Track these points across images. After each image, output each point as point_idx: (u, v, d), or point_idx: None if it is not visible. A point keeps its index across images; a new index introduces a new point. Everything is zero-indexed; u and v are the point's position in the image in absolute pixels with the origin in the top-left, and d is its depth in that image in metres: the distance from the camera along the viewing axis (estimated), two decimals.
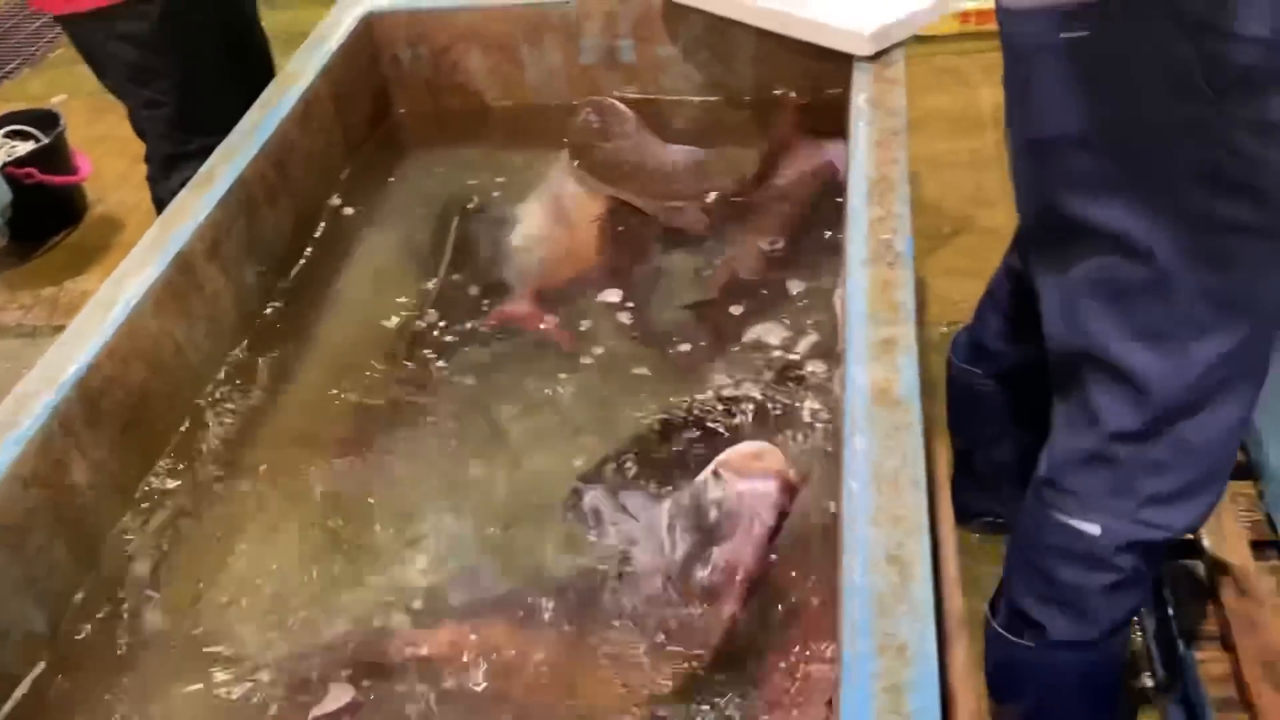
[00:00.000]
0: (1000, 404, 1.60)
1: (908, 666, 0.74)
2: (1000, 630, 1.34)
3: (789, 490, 1.00)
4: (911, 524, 0.83)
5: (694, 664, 0.95)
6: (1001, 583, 1.38)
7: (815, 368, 1.24)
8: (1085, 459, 1.19)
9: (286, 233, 1.48)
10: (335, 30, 1.67)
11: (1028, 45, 1.07)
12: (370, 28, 1.71)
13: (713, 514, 0.99)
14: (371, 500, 1.16)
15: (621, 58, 1.69)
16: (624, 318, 1.36)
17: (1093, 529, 1.20)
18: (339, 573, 1.07)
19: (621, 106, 1.63)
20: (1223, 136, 0.98)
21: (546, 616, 1.00)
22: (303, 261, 1.49)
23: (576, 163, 1.57)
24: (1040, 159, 1.12)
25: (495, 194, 1.58)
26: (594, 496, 1.10)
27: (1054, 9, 1.01)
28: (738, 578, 0.98)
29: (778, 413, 1.18)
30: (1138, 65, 0.99)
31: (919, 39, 1.83)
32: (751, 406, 1.19)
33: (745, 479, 1.00)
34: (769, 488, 0.99)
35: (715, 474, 1.01)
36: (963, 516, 1.79)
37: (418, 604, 1.04)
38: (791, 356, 1.27)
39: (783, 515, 1.00)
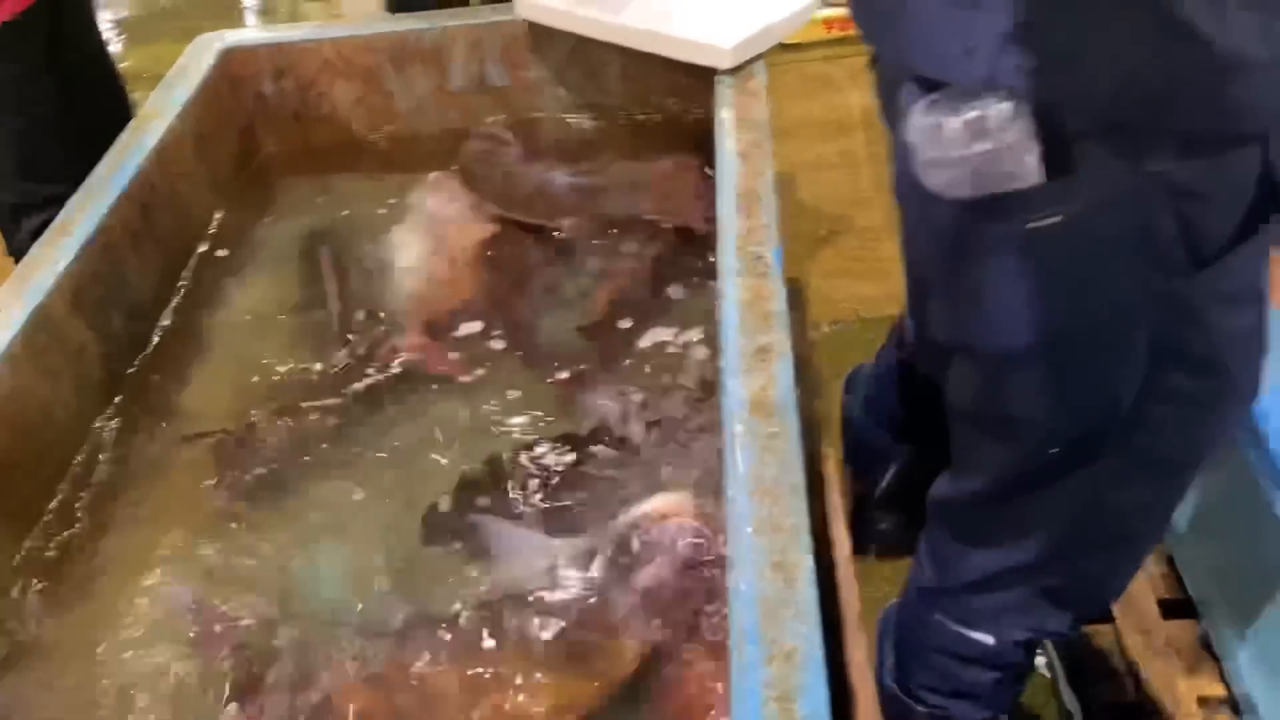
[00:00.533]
0: (897, 462, 1.62)
1: (797, 671, 0.76)
2: (895, 691, 1.33)
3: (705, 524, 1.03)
4: (794, 530, 0.85)
5: (607, 694, 0.95)
6: (880, 637, 1.38)
7: (705, 378, 1.25)
8: (980, 581, 1.17)
9: (155, 280, 1.44)
10: (194, 66, 1.63)
11: (983, 245, 0.92)
12: (231, 62, 1.67)
13: (635, 543, 1.01)
14: (254, 560, 1.12)
15: (491, 82, 1.69)
16: (508, 344, 1.35)
17: (986, 639, 1.20)
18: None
19: (506, 134, 1.64)
20: (1190, 310, 0.91)
21: (446, 650, 0.98)
22: (174, 309, 1.45)
23: (466, 186, 1.57)
24: (987, 365, 1.02)
25: (370, 226, 1.55)
26: (481, 522, 1.10)
27: (1016, 194, 0.85)
28: (659, 603, 0.98)
29: (668, 433, 1.19)
30: (1111, 249, 0.88)
31: (786, 47, 1.87)
32: (640, 427, 1.20)
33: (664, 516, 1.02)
34: (691, 523, 1.02)
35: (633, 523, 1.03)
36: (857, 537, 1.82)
37: (314, 644, 1.01)
38: (682, 367, 1.28)
39: (703, 545, 1.01)
